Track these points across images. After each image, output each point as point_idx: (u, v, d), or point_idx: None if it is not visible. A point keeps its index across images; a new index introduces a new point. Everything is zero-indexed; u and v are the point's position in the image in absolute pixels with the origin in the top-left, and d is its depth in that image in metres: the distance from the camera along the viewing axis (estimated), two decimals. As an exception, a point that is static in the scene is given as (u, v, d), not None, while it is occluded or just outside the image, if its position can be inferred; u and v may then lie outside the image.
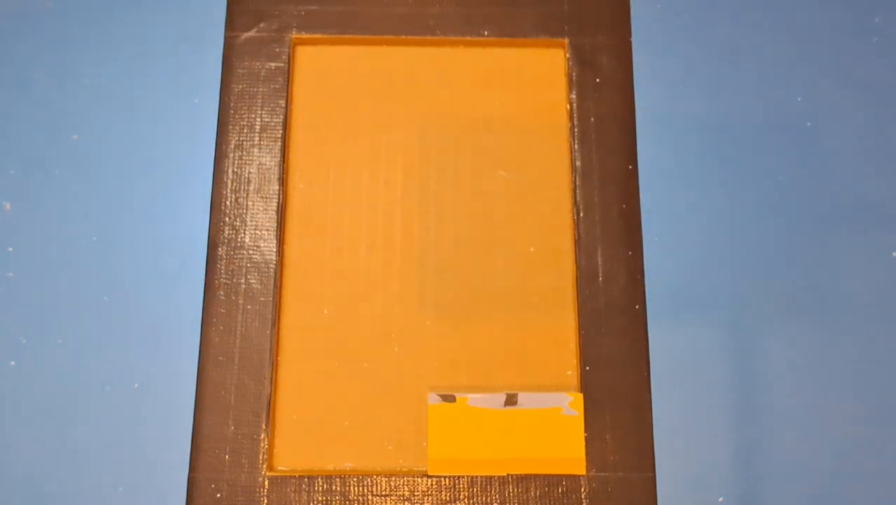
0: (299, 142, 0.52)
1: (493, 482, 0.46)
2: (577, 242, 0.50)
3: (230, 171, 0.51)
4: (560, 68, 0.54)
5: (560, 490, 0.46)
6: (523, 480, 0.46)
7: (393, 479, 0.46)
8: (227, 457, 0.46)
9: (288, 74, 0.53)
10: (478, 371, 0.49)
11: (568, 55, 0.53)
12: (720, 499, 0.48)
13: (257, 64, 0.53)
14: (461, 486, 0.46)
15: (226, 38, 0.53)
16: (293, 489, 0.45)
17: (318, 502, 0.45)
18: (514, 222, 0.51)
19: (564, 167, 0.52)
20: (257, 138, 0.51)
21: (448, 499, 0.46)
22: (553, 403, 0.47)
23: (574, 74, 0.53)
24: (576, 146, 0.52)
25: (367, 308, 0.50)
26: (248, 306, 0.48)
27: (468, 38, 0.54)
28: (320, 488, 0.46)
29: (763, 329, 0.53)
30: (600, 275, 0.49)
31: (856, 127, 0.57)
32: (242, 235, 0.50)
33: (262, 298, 0.49)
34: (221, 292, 0.49)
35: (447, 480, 0.46)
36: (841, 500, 0.50)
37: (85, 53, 0.57)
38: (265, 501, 0.45)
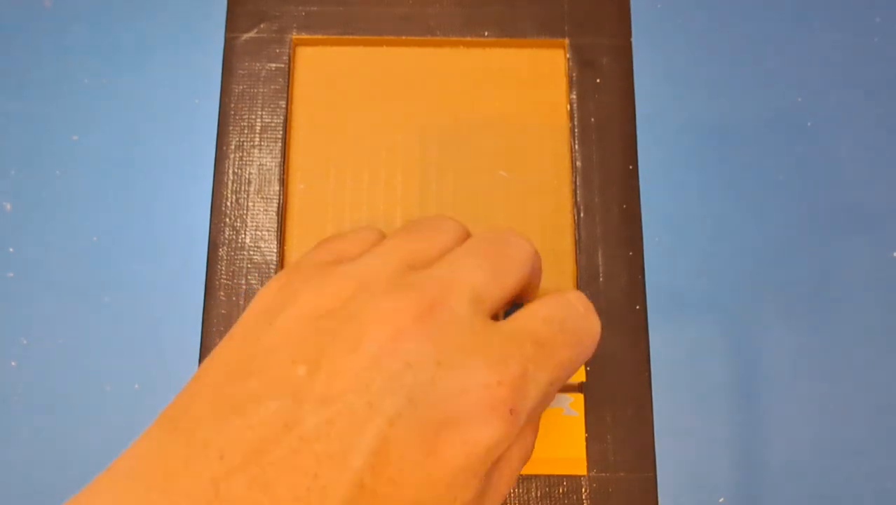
0: (300, 142, 0.52)
1: (494, 483, 0.46)
2: (578, 243, 0.50)
3: (230, 171, 0.51)
4: (560, 68, 0.54)
5: (561, 490, 0.46)
6: (524, 480, 0.46)
7: (394, 479, 0.46)
8: (227, 458, 0.46)
9: (288, 75, 0.52)
10: (478, 371, 0.49)
11: (568, 55, 0.53)
12: (721, 499, 0.48)
13: (258, 65, 0.53)
14: (462, 486, 0.46)
15: (226, 39, 0.53)
16: (294, 490, 0.45)
17: (318, 503, 0.45)
18: (514, 222, 0.51)
19: (565, 167, 0.52)
20: (258, 139, 0.51)
21: (449, 499, 0.45)
22: (554, 403, 0.47)
23: (574, 75, 0.53)
24: (576, 146, 0.52)
25: (367, 309, 0.50)
26: (249, 307, 0.48)
27: (468, 38, 0.53)
28: (321, 489, 0.46)
29: (763, 329, 0.53)
30: (601, 275, 0.49)
31: (856, 127, 0.57)
32: (243, 236, 0.50)
33: (263, 299, 0.48)
34: (222, 293, 0.49)
35: (448, 480, 0.46)
36: (842, 500, 0.50)
37: (85, 53, 0.57)
38: (266, 502, 0.45)
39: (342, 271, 0.30)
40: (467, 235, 0.36)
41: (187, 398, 0.29)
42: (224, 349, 0.31)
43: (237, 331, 0.31)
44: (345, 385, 0.26)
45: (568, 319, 0.31)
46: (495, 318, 0.32)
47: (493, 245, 0.33)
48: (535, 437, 0.35)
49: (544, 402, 0.32)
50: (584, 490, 0.46)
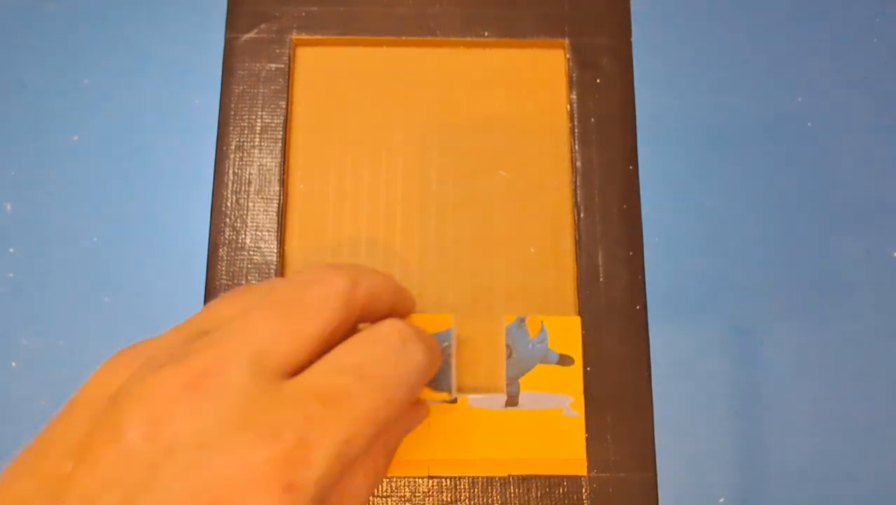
0: (300, 143, 0.52)
1: (495, 483, 0.46)
2: (578, 243, 0.50)
3: (231, 172, 0.51)
4: (560, 69, 0.54)
5: (561, 491, 0.46)
6: (524, 480, 0.46)
7: (394, 480, 0.46)
8: (227, 458, 0.46)
9: (288, 75, 0.52)
10: (478, 371, 0.49)
11: (568, 56, 0.53)
12: (721, 500, 0.48)
13: (258, 65, 0.53)
14: (462, 487, 0.46)
15: (226, 40, 0.53)
16: (294, 490, 0.45)
17: (318, 503, 0.45)
18: (514, 222, 0.51)
19: (565, 167, 0.52)
20: (258, 139, 0.51)
21: (449, 500, 0.46)
22: (554, 403, 0.47)
23: (574, 75, 0.53)
24: (576, 146, 0.52)
25: (367, 309, 0.50)
26: (249, 307, 0.48)
27: (468, 38, 0.53)
28: (321, 489, 0.46)
29: (763, 329, 0.53)
30: (601, 275, 0.49)
31: (856, 127, 0.57)
32: (243, 237, 0.50)
33: (263, 299, 0.48)
34: (222, 293, 0.49)
35: (448, 480, 0.46)
36: (842, 500, 0.50)
37: (85, 54, 0.57)
38: (266, 502, 0.45)
39: (138, 348, 0.28)
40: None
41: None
42: (44, 430, 0.29)
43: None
44: (102, 482, 0.24)
45: (369, 361, 0.28)
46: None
47: (289, 291, 0.29)
48: (385, 464, 0.32)
49: (346, 462, 0.27)
50: (584, 490, 0.46)
